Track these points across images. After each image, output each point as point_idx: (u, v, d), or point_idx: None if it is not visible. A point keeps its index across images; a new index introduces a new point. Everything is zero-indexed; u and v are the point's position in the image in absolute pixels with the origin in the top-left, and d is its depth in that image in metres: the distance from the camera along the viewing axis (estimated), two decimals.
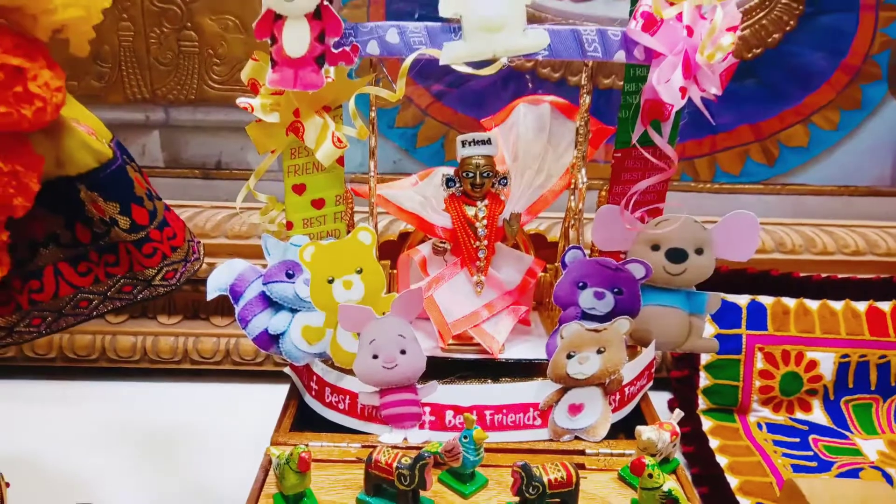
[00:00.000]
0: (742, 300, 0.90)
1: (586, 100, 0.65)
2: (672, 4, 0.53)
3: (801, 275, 0.92)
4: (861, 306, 0.90)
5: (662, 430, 0.59)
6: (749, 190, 1.01)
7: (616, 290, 0.63)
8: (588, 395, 0.62)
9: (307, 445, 0.54)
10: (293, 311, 0.62)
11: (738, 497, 0.75)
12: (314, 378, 0.64)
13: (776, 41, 0.93)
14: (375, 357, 0.59)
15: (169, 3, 0.90)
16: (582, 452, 0.61)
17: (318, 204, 0.65)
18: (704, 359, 0.88)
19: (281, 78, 0.55)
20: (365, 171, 0.83)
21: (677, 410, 0.64)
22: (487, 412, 0.61)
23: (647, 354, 0.66)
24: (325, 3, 0.53)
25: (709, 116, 0.55)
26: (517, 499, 0.53)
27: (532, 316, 0.75)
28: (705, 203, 1.00)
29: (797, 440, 0.85)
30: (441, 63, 0.55)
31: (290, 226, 0.65)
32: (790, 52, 0.94)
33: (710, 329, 0.88)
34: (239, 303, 0.62)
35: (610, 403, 0.63)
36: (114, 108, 0.94)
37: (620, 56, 0.56)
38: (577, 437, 0.62)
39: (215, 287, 0.62)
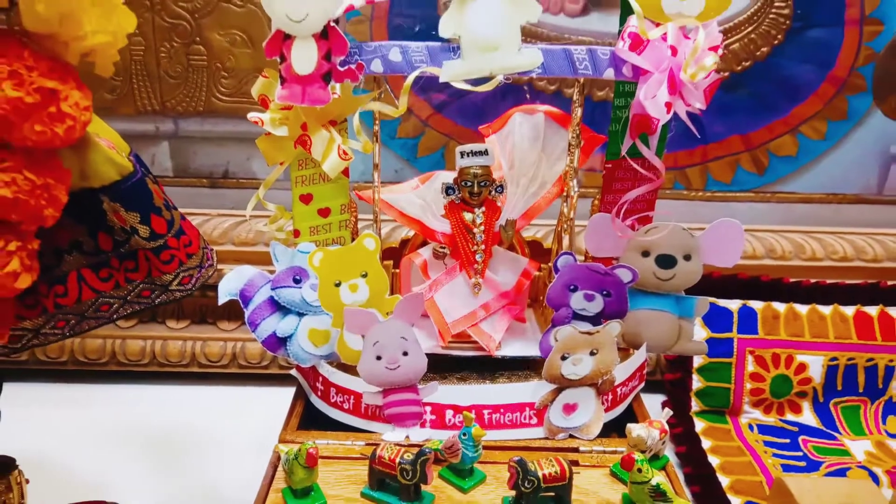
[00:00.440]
0: (733, 305, 0.91)
1: (578, 113, 0.67)
2: (657, 25, 0.55)
3: (791, 280, 0.93)
4: (849, 311, 0.91)
5: (652, 427, 0.60)
6: (740, 198, 1.02)
7: (605, 292, 0.64)
8: (582, 395, 0.63)
9: (314, 442, 0.55)
10: (300, 314, 0.63)
11: (729, 495, 0.76)
12: (320, 379, 0.65)
13: (765, 54, 0.95)
14: (379, 358, 0.60)
15: (179, 18, 0.92)
16: (576, 450, 0.63)
17: (325, 213, 0.67)
18: (697, 362, 0.89)
19: (290, 94, 0.57)
20: (367, 179, 0.84)
21: (666, 409, 0.65)
22: (486, 411, 0.63)
23: (639, 356, 0.68)
24: (332, 23, 0.55)
25: (694, 130, 0.57)
26: (514, 493, 0.55)
27: (527, 313, 0.77)
28: (698, 210, 1.01)
29: (787, 441, 0.85)
30: (441, 80, 0.57)
31: (297, 233, 0.66)
32: (778, 65, 0.95)
33: (702, 333, 0.89)
34: (248, 307, 0.63)
35: (602, 403, 0.64)
36: (125, 120, 0.96)
37: (609, 73, 0.58)
38: (571, 436, 0.64)
39: (226, 292, 0.63)
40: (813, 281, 0.94)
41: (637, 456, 0.54)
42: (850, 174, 1.01)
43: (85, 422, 0.88)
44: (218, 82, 0.95)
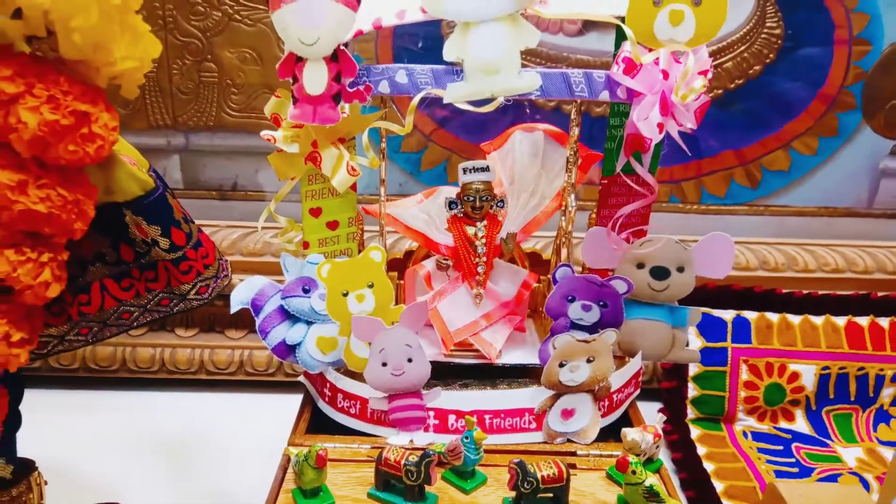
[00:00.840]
0: (727, 315, 0.92)
1: (575, 132, 0.69)
2: (650, 51, 0.57)
3: (784, 291, 0.94)
4: (840, 321, 0.92)
5: (646, 431, 0.62)
6: (734, 211, 1.04)
7: (602, 303, 0.66)
8: (579, 400, 0.65)
9: (322, 445, 0.57)
10: (309, 323, 0.65)
11: (724, 500, 0.77)
12: (327, 385, 0.67)
13: (757, 72, 0.97)
14: (385, 365, 0.62)
15: (191, 37, 0.94)
16: (573, 453, 0.64)
17: (333, 225, 0.68)
18: (692, 371, 0.90)
19: (301, 113, 0.59)
20: (372, 192, 0.85)
21: (660, 415, 0.67)
22: (487, 416, 0.64)
23: (634, 364, 0.69)
24: (342, 47, 0.58)
25: (685, 148, 0.59)
26: (513, 493, 0.56)
27: (527, 323, 0.79)
28: (693, 223, 1.03)
29: (780, 448, 0.87)
30: (445, 101, 0.59)
31: (306, 245, 0.68)
32: (770, 83, 0.97)
33: (697, 342, 0.91)
34: (259, 315, 0.64)
35: (599, 409, 0.66)
36: (137, 134, 0.98)
37: (605, 95, 0.60)
38: (569, 440, 0.65)
39: (238, 301, 0.64)
40: (805, 292, 0.95)
41: (632, 459, 0.56)
42: (841, 188, 1.03)
43: (96, 427, 0.89)
44: (228, 98, 0.97)
